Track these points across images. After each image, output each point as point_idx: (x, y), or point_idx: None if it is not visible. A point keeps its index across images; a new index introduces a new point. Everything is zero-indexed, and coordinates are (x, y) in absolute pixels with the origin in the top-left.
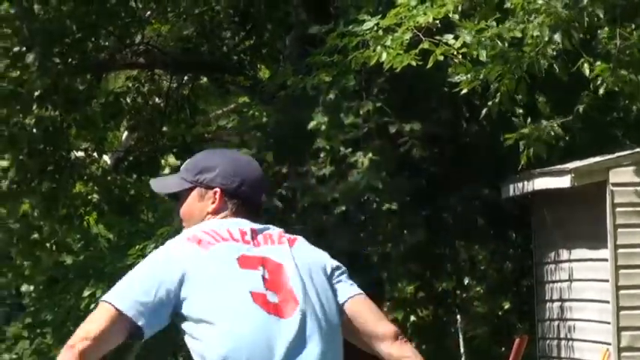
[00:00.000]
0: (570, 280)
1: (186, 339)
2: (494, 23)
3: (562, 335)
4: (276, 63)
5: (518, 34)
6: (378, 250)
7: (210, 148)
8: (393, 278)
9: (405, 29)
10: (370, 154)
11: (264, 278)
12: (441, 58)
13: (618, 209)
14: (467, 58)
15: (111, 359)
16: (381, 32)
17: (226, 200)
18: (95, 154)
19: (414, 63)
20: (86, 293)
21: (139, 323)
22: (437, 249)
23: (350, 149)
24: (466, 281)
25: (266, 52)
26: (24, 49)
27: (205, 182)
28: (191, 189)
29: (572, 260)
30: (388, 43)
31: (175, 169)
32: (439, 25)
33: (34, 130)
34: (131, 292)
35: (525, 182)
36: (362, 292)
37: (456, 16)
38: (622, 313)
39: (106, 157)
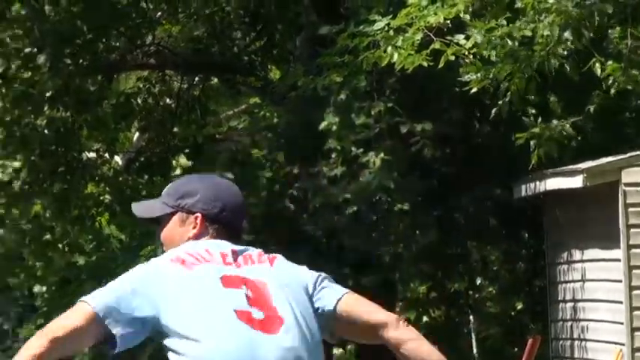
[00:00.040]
0: (583, 280)
1: (170, 356)
2: (505, 22)
3: (575, 336)
4: (287, 64)
5: (529, 33)
6: (389, 250)
7: (197, 174)
8: (405, 279)
9: (416, 29)
10: (382, 154)
11: (247, 297)
12: (452, 58)
13: (631, 209)
14: (477, 58)
15: (123, 359)
16: (391, 32)
17: (207, 225)
18: (107, 154)
19: (425, 64)
20: None
21: (113, 331)
22: (449, 249)
23: (361, 149)
24: (478, 281)
25: (277, 53)
26: (35, 50)
27: (187, 207)
28: (172, 214)
29: (585, 260)
30: (399, 43)
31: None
32: (450, 25)
33: (46, 131)
34: (110, 300)
35: (537, 182)
36: (348, 290)
37: (467, 16)
38: (635, 313)
39: (117, 158)
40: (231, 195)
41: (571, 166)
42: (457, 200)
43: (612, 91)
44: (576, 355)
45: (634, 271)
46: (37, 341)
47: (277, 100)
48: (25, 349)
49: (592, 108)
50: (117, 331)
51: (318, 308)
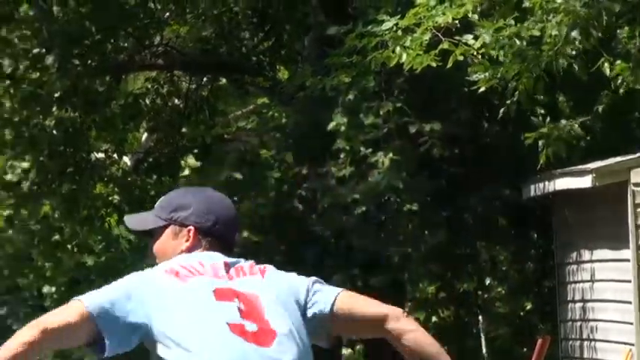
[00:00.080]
0: (592, 280)
1: None
2: (513, 22)
3: (584, 336)
4: (295, 64)
5: (537, 33)
6: (398, 250)
7: (188, 186)
8: (414, 279)
9: (425, 29)
10: (391, 154)
11: (239, 309)
12: (461, 58)
13: None
14: (485, 58)
15: (135, 359)
16: (400, 32)
17: (200, 238)
18: (115, 155)
19: (433, 64)
20: None
21: (103, 333)
22: (458, 249)
23: (370, 150)
24: (487, 282)
25: (285, 53)
26: (43, 50)
27: (180, 220)
28: (165, 226)
29: (594, 261)
30: (407, 43)
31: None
32: (458, 25)
33: (54, 132)
34: (104, 301)
35: (546, 182)
36: (342, 289)
37: (475, 16)
38: None
39: (126, 159)
40: (223, 208)
41: (580, 166)
42: (466, 200)
43: (621, 90)
44: (586, 355)
45: None
46: (29, 331)
47: (286, 101)
48: (15, 336)
49: (601, 108)
50: (107, 333)
51: (313, 313)
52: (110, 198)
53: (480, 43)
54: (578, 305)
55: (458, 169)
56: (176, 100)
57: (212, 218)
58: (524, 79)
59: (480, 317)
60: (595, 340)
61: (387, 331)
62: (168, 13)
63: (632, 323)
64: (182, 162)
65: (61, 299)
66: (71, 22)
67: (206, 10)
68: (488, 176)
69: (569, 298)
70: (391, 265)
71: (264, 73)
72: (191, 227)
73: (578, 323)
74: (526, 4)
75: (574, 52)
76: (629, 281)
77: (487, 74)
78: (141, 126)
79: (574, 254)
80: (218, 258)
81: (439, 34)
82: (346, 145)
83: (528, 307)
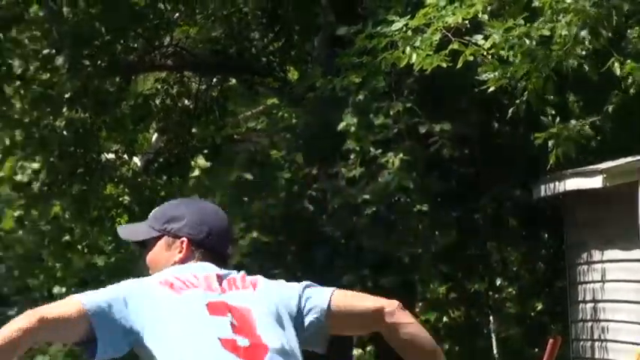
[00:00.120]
0: (603, 281)
1: None
2: (522, 22)
3: (596, 336)
4: (305, 64)
5: (547, 33)
6: (409, 251)
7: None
8: (424, 279)
9: (434, 30)
10: (401, 155)
11: (232, 324)
12: (471, 58)
13: None
14: (495, 58)
15: None
16: (410, 33)
17: (193, 250)
18: (125, 156)
19: (444, 64)
20: None
21: (97, 333)
22: (468, 250)
23: (380, 150)
24: (498, 282)
25: (295, 54)
26: (53, 51)
27: (173, 231)
28: (158, 237)
29: (605, 261)
30: (417, 43)
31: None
32: (468, 26)
33: (65, 133)
34: (102, 301)
35: (557, 183)
36: (334, 288)
37: (485, 16)
38: None
39: (136, 159)
40: (217, 219)
41: (590, 167)
42: (476, 201)
43: (631, 90)
44: (597, 355)
45: None
46: (26, 318)
47: (295, 101)
48: (12, 322)
49: (611, 108)
50: (99, 333)
51: (310, 320)
52: (120, 199)
53: (490, 43)
54: (589, 306)
55: (468, 169)
56: (186, 101)
57: (205, 230)
58: (534, 79)
59: (491, 318)
60: (606, 341)
61: (384, 324)
62: (177, 14)
63: None
64: (192, 162)
65: None
66: (81, 22)
67: (216, 11)
68: (498, 176)
69: (580, 299)
70: (402, 266)
71: (274, 74)
72: (184, 238)
73: (589, 324)
74: (536, 4)
75: (584, 52)
76: None
77: (496, 74)
78: (151, 126)
79: (585, 254)
80: (211, 270)
81: (449, 35)
82: (356, 146)
83: (539, 308)
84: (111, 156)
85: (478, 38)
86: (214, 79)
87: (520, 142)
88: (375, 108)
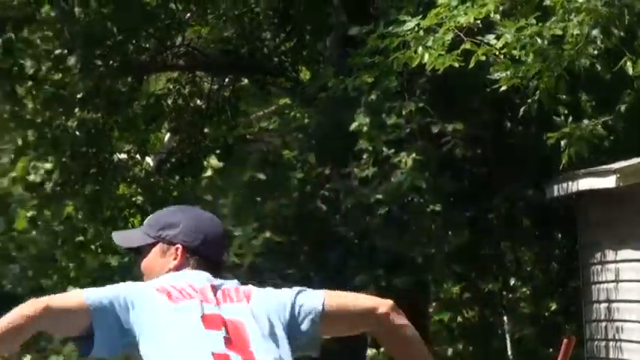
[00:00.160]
0: (617, 281)
1: None
2: (534, 22)
3: (610, 336)
4: (317, 64)
5: (559, 32)
6: (422, 251)
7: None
8: (438, 279)
9: (446, 29)
10: (413, 155)
11: (225, 339)
12: (483, 58)
13: None
14: (507, 57)
15: None
16: (422, 33)
17: (188, 257)
18: (138, 156)
19: (456, 64)
20: None
21: (95, 329)
22: (482, 250)
23: (392, 150)
24: (512, 282)
25: (306, 54)
26: (65, 51)
27: (168, 238)
28: (153, 244)
29: (619, 261)
30: (429, 43)
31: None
32: (480, 25)
33: (77, 133)
34: (104, 298)
35: (570, 182)
36: (325, 290)
37: (497, 16)
38: None
39: (148, 159)
40: (212, 227)
41: (604, 166)
42: (489, 201)
43: None
44: (611, 355)
45: None
46: (31, 305)
47: (308, 101)
48: (17, 309)
49: (623, 107)
50: (97, 329)
51: (306, 326)
52: (133, 199)
53: (502, 42)
54: (603, 305)
55: (480, 169)
56: (198, 101)
57: (200, 237)
58: (546, 78)
59: (505, 318)
60: (621, 341)
61: (378, 324)
62: (189, 14)
63: None
64: (204, 162)
65: None
66: (93, 23)
67: (227, 11)
68: (511, 176)
69: (594, 299)
70: (415, 266)
71: (285, 74)
72: (179, 245)
73: (604, 323)
74: (547, 3)
75: (596, 52)
76: None
77: (508, 73)
78: (163, 127)
79: (598, 254)
80: (205, 279)
81: (461, 34)
82: (369, 146)
83: (553, 308)
84: (123, 156)
85: (490, 38)
86: (226, 79)
87: (532, 142)
88: (388, 108)
